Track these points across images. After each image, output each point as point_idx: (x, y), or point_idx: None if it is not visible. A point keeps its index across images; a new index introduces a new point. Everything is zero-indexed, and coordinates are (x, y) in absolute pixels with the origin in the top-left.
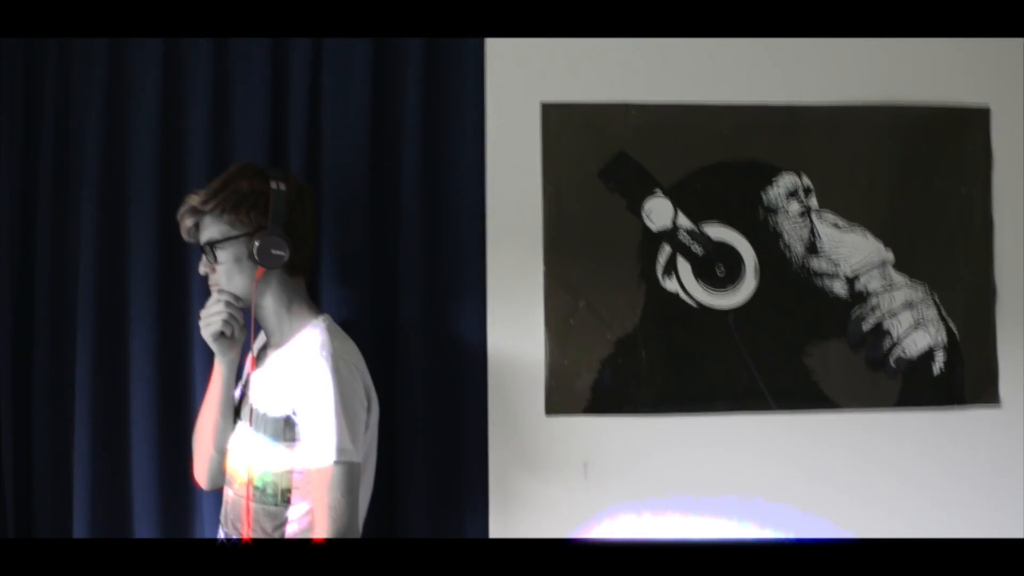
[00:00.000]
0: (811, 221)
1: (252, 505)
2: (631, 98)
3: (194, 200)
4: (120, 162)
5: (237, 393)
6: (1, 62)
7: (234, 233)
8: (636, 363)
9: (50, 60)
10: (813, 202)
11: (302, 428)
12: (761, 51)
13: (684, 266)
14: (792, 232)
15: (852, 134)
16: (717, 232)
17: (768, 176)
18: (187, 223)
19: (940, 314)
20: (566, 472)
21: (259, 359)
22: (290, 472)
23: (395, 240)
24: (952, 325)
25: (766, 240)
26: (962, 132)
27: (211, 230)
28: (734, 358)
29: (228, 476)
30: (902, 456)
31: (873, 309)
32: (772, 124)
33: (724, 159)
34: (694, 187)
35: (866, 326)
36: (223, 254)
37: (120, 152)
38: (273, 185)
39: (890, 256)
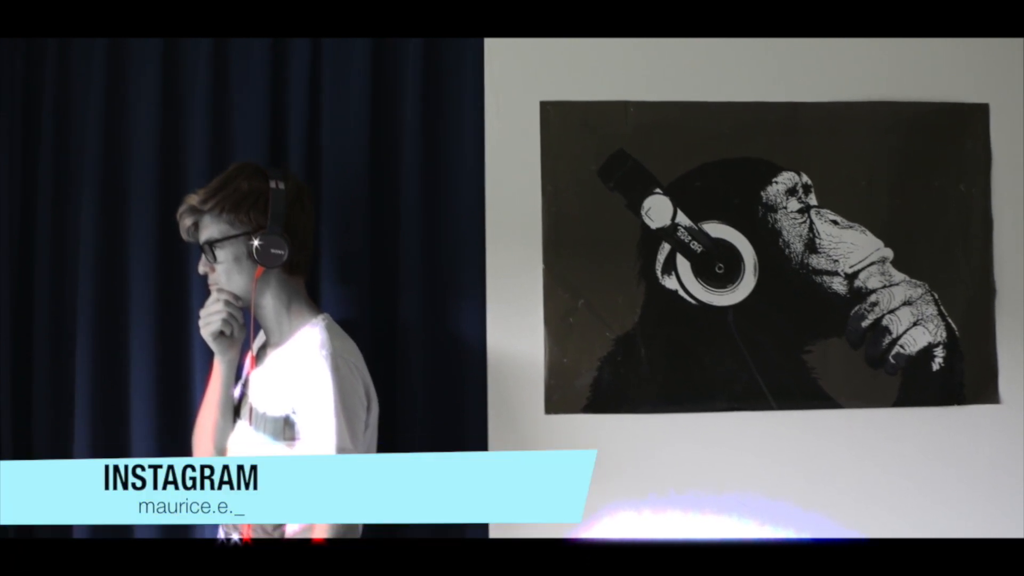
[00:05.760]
0: (810, 219)
1: None
2: (630, 96)
3: (193, 199)
4: (120, 162)
5: (237, 392)
6: (1, 62)
7: (233, 232)
8: (635, 361)
9: (50, 60)
10: (812, 200)
11: (302, 427)
12: (760, 49)
13: (683, 264)
14: (791, 230)
15: (851, 132)
16: (716, 230)
17: (767, 174)
18: (186, 222)
19: (940, 311)
20: None
21: (259, 358)
22: None
23: (394, 239)
24: (952, 322)
25: (765, 238)
26: (962, 130)
27: (210, 229)
28: (733, 356)
29: None
30: (902, 454)
31: (873, 306)
32: (771, 122)
33: (723, 157)
34: (693, 185)
35: (865, 323)
36: (222, 253)
37: (119, 152)
38: (272, 184)
39: (889, 254)
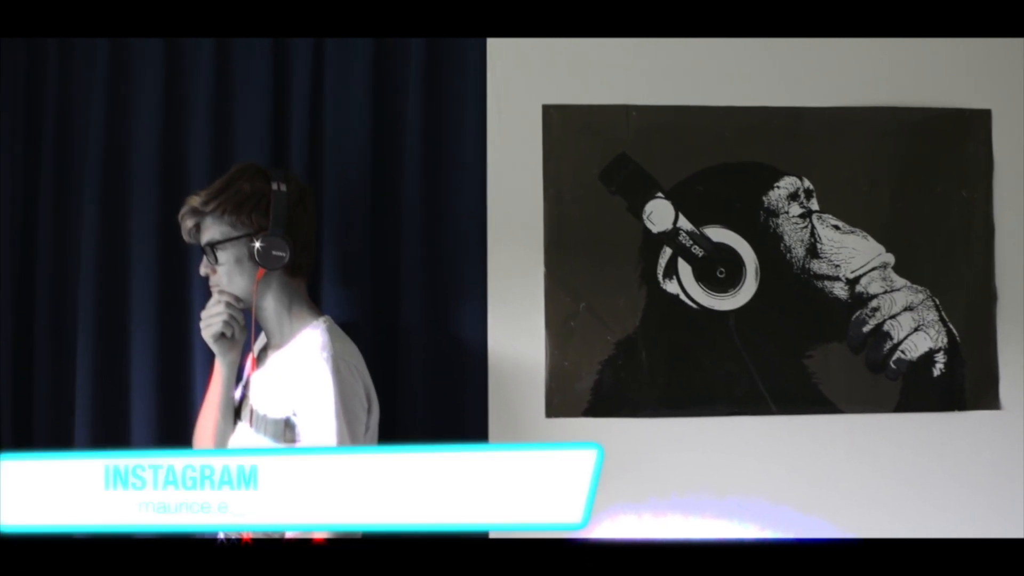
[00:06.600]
0: (812, 224)
1: None
2: (632, 100)
3: (195, 201)
4: (121, 163)
5: (237, 394)
6: (3, 62)
7: (235, 234)
8: (636, 365)
9: (51, 60)
10: (814, 205)
11: (302, 429)
12: (762, 53)
13: (685, 268)
14: (793, 235)
15: (853, 136)
16: (718, 234)
17: (769, 178)
18: (188, 224)
19: (941, 317)
20: None
21: (259, 360)
22: None
23: (396, 241)
24: (953, 328)
25: (767, 242)
26: (963, 135)
27: (212, 231)
28: (734, 360)
29: None
30: (902, 459)
31: (874, 312)
32: (773, 126)
33: (725, 161)
34: (695, 189)
35: (867, 329)
36: (224, 255)
37: (121, 152)
38: (274, 186)
39: (891, 259)
